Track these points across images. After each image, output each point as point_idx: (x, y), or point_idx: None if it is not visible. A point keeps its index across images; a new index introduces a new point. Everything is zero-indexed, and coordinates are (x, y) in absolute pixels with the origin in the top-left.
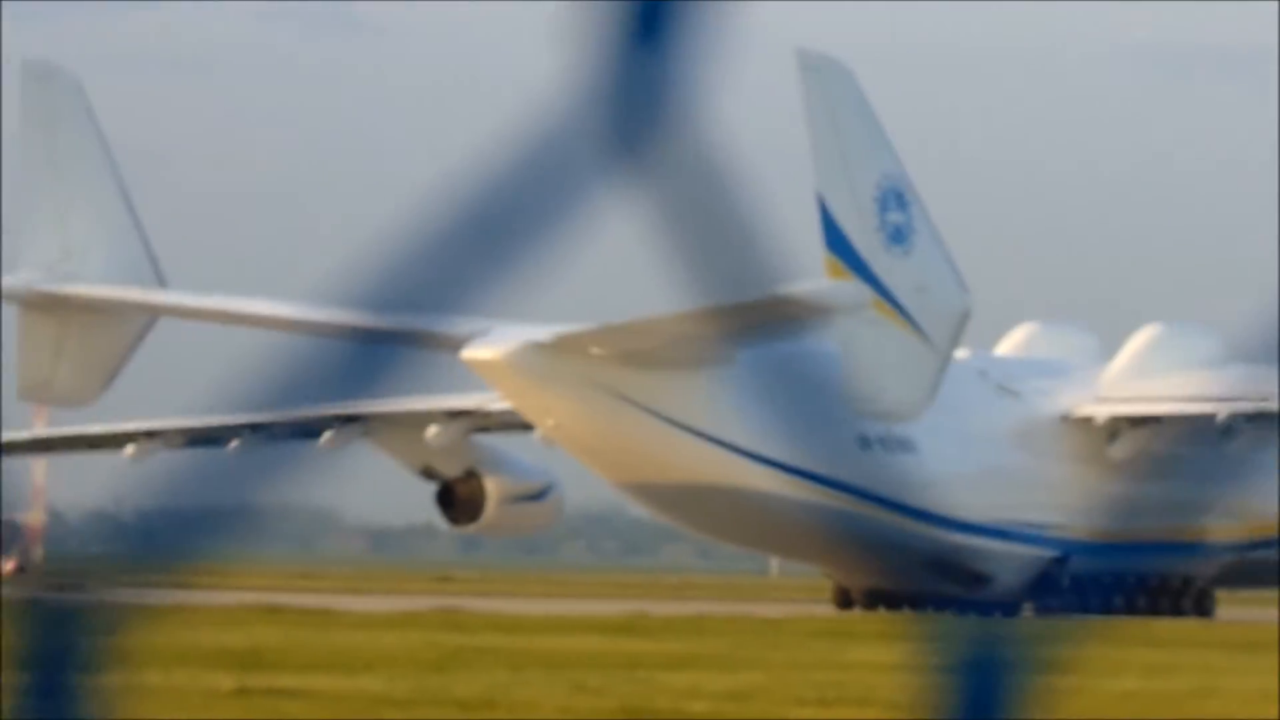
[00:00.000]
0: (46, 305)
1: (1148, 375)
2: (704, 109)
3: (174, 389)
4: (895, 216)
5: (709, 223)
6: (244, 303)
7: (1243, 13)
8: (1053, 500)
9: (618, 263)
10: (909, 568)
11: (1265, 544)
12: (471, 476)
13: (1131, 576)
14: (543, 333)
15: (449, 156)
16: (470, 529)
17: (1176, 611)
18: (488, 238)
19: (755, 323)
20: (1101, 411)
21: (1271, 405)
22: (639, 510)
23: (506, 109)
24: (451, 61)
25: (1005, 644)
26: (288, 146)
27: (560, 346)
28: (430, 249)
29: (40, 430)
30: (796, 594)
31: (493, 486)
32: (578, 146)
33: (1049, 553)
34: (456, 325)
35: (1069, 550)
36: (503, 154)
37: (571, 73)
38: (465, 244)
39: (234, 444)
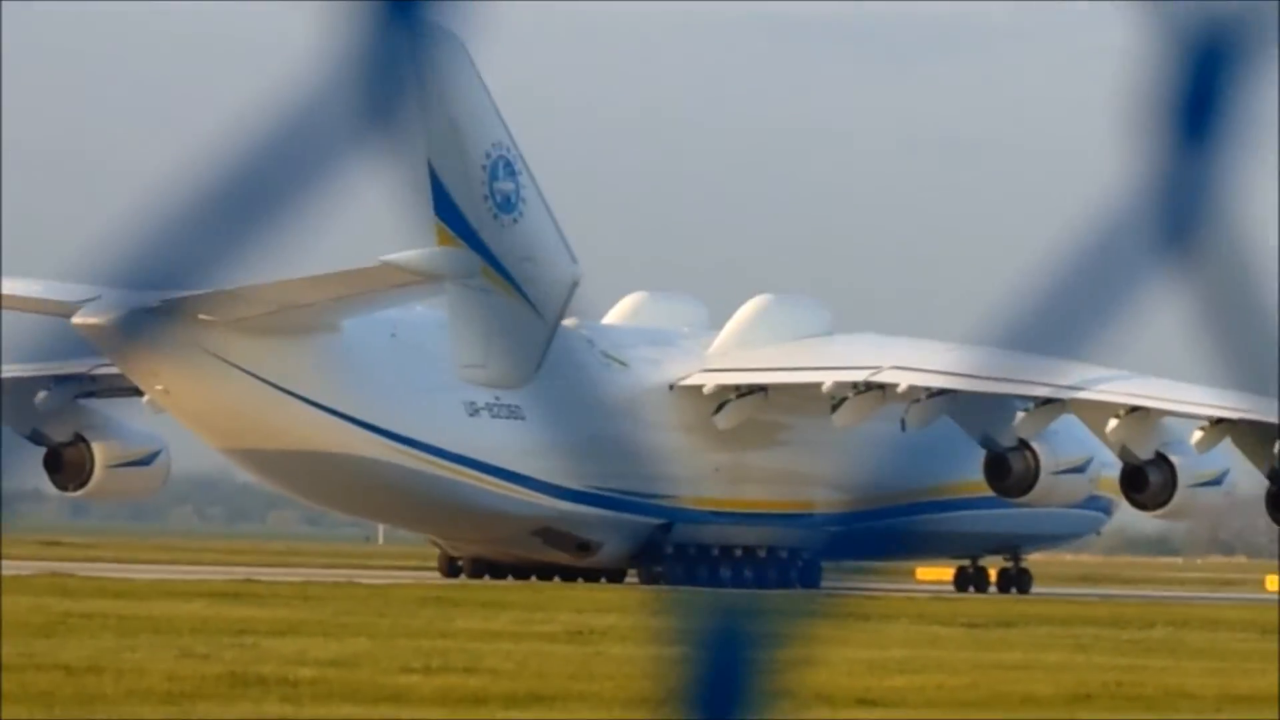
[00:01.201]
0: None
1: (755, 345)
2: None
3: None
4: (504, 185)
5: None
6: None
7: None
8: (659, 469)
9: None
10: (515, 536)
11: (872, 515)
12: (79, 441)
13: (738, 546)
14: (151, 297)
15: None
16: (77, 494)
17: (783, 582)
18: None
19: (363, 289)
20: (709, 381)
21: (880, 375)
22: (246, 476)
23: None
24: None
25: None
26: None
27: (168, 311)
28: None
29: None
30: (403, 561)
31: (100, 451)
32: (325, 116)
33: (655, 520)
34: (66, 290)
35: (674, 518)
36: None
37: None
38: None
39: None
